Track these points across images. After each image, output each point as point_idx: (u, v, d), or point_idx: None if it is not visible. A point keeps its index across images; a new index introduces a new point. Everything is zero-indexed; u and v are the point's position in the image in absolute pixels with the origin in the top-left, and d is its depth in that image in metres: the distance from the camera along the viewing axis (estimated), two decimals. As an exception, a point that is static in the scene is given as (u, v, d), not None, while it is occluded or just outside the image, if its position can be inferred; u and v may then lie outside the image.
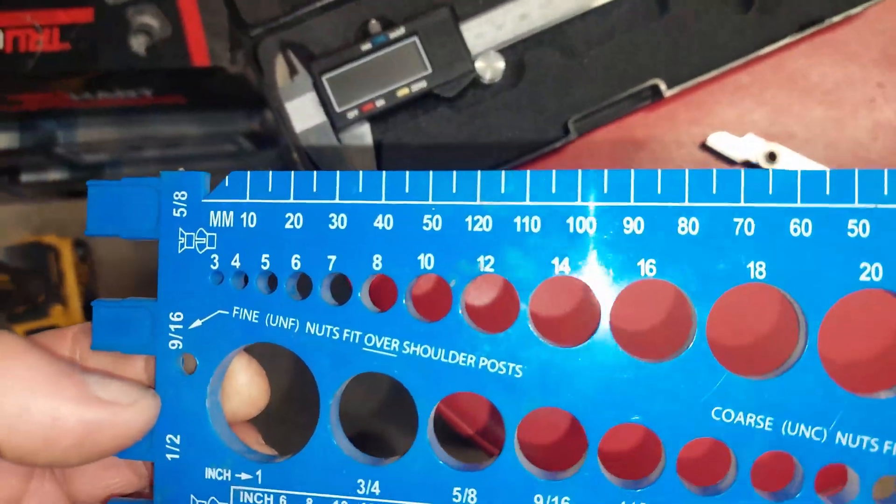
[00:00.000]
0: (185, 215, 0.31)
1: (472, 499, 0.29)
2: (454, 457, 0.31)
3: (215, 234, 0.30)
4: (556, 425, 0.35)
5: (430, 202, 0.29)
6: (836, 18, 0.40)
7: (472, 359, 0.29)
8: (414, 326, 0.29)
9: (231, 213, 0.30)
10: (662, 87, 0.42)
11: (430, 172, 0.29)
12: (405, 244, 0.29)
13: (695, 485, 0.28)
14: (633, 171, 0.28)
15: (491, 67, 0.42)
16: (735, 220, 0.27)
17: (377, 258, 0.29)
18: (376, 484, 0.29)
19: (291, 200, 0.30)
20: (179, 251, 0.31)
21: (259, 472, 0.30)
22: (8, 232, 0.81)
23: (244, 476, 0.30)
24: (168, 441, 0.31)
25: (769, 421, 0.27)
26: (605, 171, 0.28)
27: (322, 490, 0.30)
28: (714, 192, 0.27)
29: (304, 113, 0.44)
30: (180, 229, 0.31)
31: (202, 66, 0.50)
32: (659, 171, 0.28)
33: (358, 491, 0.30)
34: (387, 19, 0.44)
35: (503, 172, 0.29)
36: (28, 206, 0.80)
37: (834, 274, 0.26)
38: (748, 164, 0.43)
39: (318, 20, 0.45)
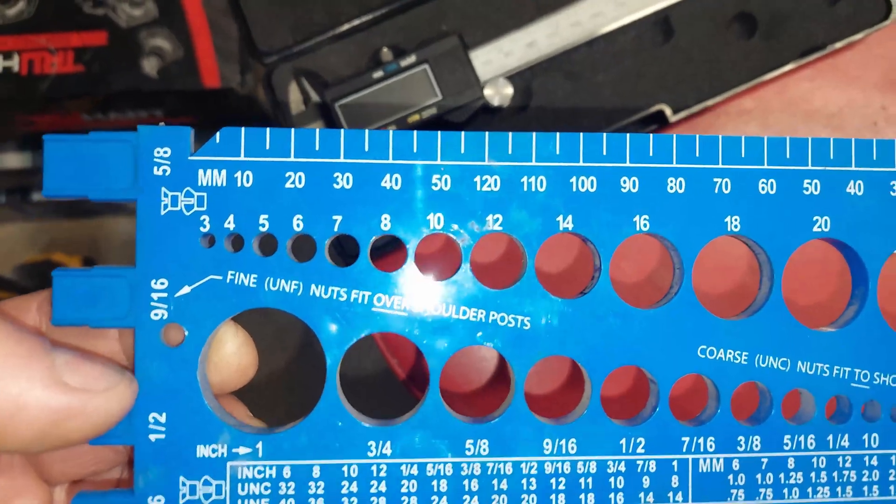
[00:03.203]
0: (168, 174, 0.17)
1: (484, 450, 0.18)
2: (393, 401, 0.20)
3: (205, 194, 0.17)
4: (557, 376, 0.25)
5: (439, 162, 0.18)
6: (837, 45, 0.29)
7: (482, 314, 0.18)
8: (424, 285, 0.18)
9: (224, 171, 0.17)
10: (668, 112, 0.29)
11: (439, 133, 0.18)
12: (414, 203, 0.18)
13: (680, 419, 0.19)
14: (628, 136, 0.19)
15: (499, 94, 0.30)
16: (714, 179, 0.18)
17: (385, 218, 0.18)
18: (387, 444, 0.18)
19: (292, 159, 0.18)
20: (162, 212, 0.17)
21: (260, 445, 0.17)
22: (17, 251, 0.54)
23: (242, 450, 0.17)
24: (152, 420, 0.17)
25: (745, 355, 0.19)
26: (604, 135, 0.18)
27: (330, 456, 0.18)
28: (697, 154, 0.19)
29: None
30: (163, 189, 0.17)
31: (213, 88, 0.34)
32: (650, 136, 0.19)
33: (369, 453, 0.18)
34: (398, 48, 0.31)
35: (510, 134, 0.18)
36: (37, 225, 0.54)
37: (793, 225, 0.19)
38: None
39: (331, 48, 0.31)
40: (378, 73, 0.29)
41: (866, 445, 0.19)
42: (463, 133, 0.18)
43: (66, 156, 0.17)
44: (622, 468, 0.18)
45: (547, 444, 0.18)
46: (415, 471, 0.18)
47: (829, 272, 0.25)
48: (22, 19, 0.33)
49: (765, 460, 0.19)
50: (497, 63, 0.30)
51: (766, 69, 0.30)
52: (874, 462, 0.19)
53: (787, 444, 0.19)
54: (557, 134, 0.18)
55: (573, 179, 0.18)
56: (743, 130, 0.31)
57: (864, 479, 0.19)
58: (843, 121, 0.31)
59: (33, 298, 0.17)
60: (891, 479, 0.19)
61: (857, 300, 0.19)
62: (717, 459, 0.19)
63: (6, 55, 0.33)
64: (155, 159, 0.17)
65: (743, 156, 0.19)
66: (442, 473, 0.18)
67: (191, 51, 0.33)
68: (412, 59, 0.30)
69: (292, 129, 0.18)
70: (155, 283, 0.17)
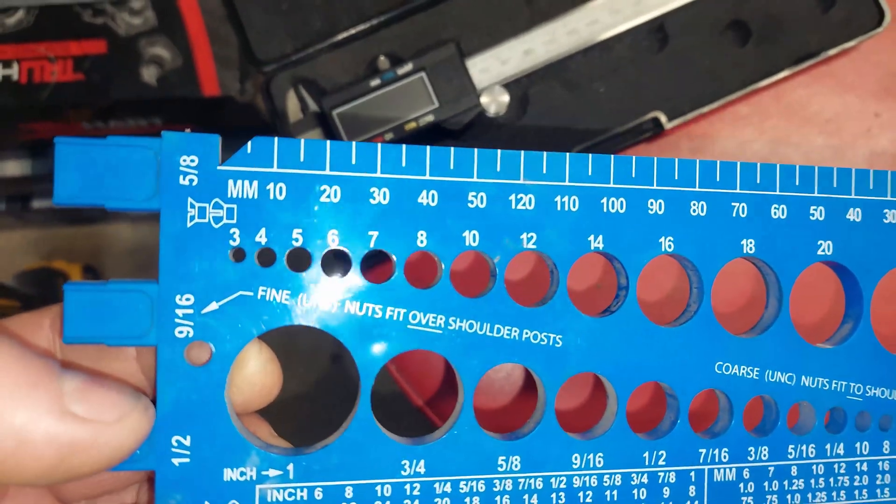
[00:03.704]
0: (195, 184, 0.16)
1: (516, 466, 0.18)
2: (406, 427, 0.20)
3: (235, 206, 0.16)
4: (579, 389, 0.25)
5: (475, 179, 0.18)
6: (832, 51, 0.29)
7: (515, 332, 0.18)
8: (459, 302, 0.18)
9: (255, 182, 0.16)
10: (663, 119, 0.29)
11: (476, 150, 0.18)
12: (451, 221, 0.17)
13: (695, 430, 0.20)
14: (655, 159, 0.19)
15: (496, 101, 0.29)
16: (733, 203, 0.19)
17: (422, 234, 0.17)
18: (421, 463, 0.17)
19: (328, 172, 0.17)
20: (188, 224, 0.16)
21: (291, 466, 0.17)
22: (18, 258, 0.49)
23: (273, 473, 0.17)
24: (175, 444, 0.16)
25: (756, 371, 0.20)
26: (633, 158, 0.19)
27: (363, 477, 0.17)
28: (717, 179, 0.19)
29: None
30: (189, 199, 0.16)
31: (212, 96, 0.33)
32: (676, 161, 0.19)
33: (402, 472, 0.17)
34: (395, 56, 0.30)
35: (545, 154, 0.18)
36: (37, 232, 0.49)
37: (801, 248, 0.20)
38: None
39: (329, 57, 0.30)
40: (375, 82, 0.29)
41: (858, 453, 0.20)
42: (499, 151, 0.18)
43: (80, 161, 0.16)
44: (645, 480, 0.19)
45: (576, 458, 0.18)
46: (448, 488, 0.18)
47: (826, 292, 0.27)
48: (21, 28, 0.32)
49: (771, 469, 0.20)
50: (494, 71, 0.30)
51: (761, 76, 0.29)
52: (864, 468, 0.20)
53: (790, 453, 0.20)
54: (590, 155, 0.18)
55: (604, 200, 0.18)
56: (739, 136, 0.31)
57: (856, 483, 0.20)
58: (839, 127, 0.30)
59: (46, 314, 0.16)
60: (877, 482, 0.21)
61: (852, 319, 0.21)
62: (730, 469, 0.19)
63: (6, 64, 0.32)
64: (181, 168, 0.16)
65: (758, 181, 0.20)
66: (475, 490, 0.18)
67: (190, 59, 0.32)
68: (409, 67, 0.29)
69: (328, 142, 0.17)
70: (180, 299, 0.16)
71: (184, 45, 0.32)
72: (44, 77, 0.32)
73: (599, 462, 0.19)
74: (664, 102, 0.30)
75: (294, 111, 0.29)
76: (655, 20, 0.30)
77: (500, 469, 0.18)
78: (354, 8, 0.30)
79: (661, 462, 0.19)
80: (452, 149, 0.18)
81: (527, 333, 0.18)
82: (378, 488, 0.17)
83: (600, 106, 0.30)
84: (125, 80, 0.33)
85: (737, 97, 0.29)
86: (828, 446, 0.20)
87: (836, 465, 0.20)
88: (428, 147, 0.18)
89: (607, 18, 0.30)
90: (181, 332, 0.16)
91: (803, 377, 0.20)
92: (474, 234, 0.18)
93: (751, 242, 0.19)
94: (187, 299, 0.16)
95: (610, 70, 0.30)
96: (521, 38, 0.30)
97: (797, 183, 0.20)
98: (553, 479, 0.18)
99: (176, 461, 0.16)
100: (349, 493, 0.17)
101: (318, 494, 0.17)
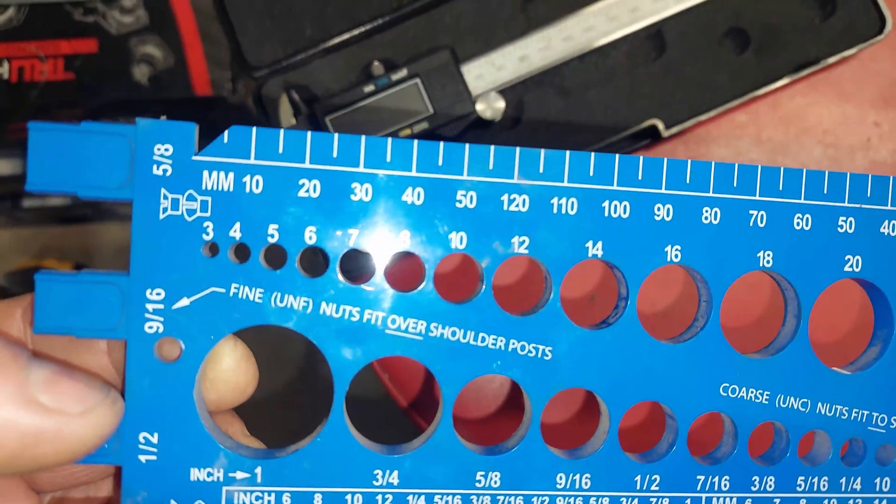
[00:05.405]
0: (169, 174, 0.15)
1: (495, 482, 0.17)
2: (391, 431, 0.19)
3: (209, 199, 0.16)
4: (570, 404, 0.24)
5: (465, 177, 0.16)
6: (831, 60, 0.28)
7: (501, 341, 0.17)
8: (442, 308, 0.17)
9: (231, 174, 0.16)
10: (660, 127, 0.28)
11: (467, 145, 0.16)
12: (437, 221, 0.16)
13: (694, 455, 0.18)
14: (665, 160, 0.17)
15: (491, 108, 0.28)
16: (751, 212, 0.17)
17: (405, 235, 0.16)
18: (395, 474, 0.17)
19: (307, 165, 0.16)
20: (161, 216, 0.15)
21: (259, 470, 0.16)
22: (9, 257, 0.51)
23: (240, 475, 0.16)
24: (142, 440, 0.16)
25: (766, 395, 0.18)
26: (641, 158, 0.17)
27: (333, 484, 0.16)
28: (735, 185, 0.17)
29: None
30: (163, 190, 0.15)
31: (204, 96, 0.33)
32: (689, 162, 0.17)
33: (374, 482, 0.16)
34: (389, 61, 0.29)
35: (542, 151, 0.17)
36: (29, 231, 0.51)
37: (826, 263, 0.18)
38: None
39: (322, 62, 0.29)
40: (369, 87, 0.28)
41: (877, 489, 0.19)
42: (492, 147, 0.17)
43: (54, 147, 0.15)
44: (635, 505, 0.18)
45: (560, 478, 0.17)
46: (422, 502, 0.17)
47: (850, 310, 0.25)
48: (11, 27, 0.32)
49: (777, 500, 0.18)
50: (489, 77, 0.29)
51: (759, 84, 0.28)
52: (883, 506, 0.19)
53: (800, 486, 0.18)
54: (592, 154, 0.17)
55: (606, 203, 0.17)
56: (736, 146, 0.29)
57: (873, 522, 0.19)
58: (837, 137, 0.30)
59: (18, 303, 0.15)
60: (898, 522, 0.19)
61: (881, 342, 0.19)
62: (731, 499, 0.18)
63: (-4, 62, 0.32)
64: (155, 157, 0.15)
65: (781, 188, 0.18)
66: (450, 506, 0.17)
67: (182, 58, 0.32)
68: (403, 73, 0.28)
69: (308, 133, 0.16)
70: (150, 293, 0.16)
71: (176, 45, 0.32)
72: (34, 76, 0.32)
73: (586, 483, 0.17)
74: (661, 110, 0.28)
75: (286, 117, 0.29)
76: (653, 27, 0.29)
77: (478, 485, 0.17)
78: (348, 13, 0.29)
79: (654, 487, 0.18)
80: (441, 143, 0.16)
81: (513, 343, 0.17)
82: (348, 497, 0.16)
83: (596, 113, 0.29)
84: (116, 79, 0.33)
85: (735, 105, 0.28)
86: (843, 480, 0.18)
87: (851, 501, 0.18)
88: (415, 141, 0.16)
89: (603, 25, 0.28)
90: (151, 328, 0.16)
91: (819, 404, 0.18)
92: (462, 236, 0.17)
93: (769, 255, 0.18)
94: (158, 294, 0.16)
95: (606, 77, 0.29)
96: (517, 44, 0.29)
97: (825, 191, 0.18)
98: (535, 499, 0.17)
99: (143, 458, 0.16)
100: (318, 500, 0.16)
101: (286, 500, 0.16)
